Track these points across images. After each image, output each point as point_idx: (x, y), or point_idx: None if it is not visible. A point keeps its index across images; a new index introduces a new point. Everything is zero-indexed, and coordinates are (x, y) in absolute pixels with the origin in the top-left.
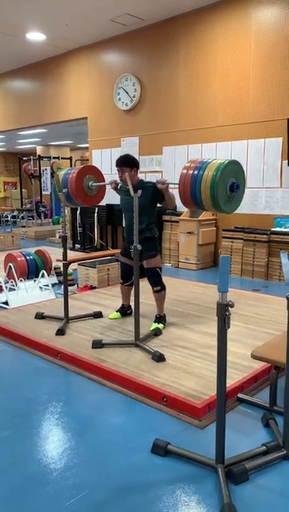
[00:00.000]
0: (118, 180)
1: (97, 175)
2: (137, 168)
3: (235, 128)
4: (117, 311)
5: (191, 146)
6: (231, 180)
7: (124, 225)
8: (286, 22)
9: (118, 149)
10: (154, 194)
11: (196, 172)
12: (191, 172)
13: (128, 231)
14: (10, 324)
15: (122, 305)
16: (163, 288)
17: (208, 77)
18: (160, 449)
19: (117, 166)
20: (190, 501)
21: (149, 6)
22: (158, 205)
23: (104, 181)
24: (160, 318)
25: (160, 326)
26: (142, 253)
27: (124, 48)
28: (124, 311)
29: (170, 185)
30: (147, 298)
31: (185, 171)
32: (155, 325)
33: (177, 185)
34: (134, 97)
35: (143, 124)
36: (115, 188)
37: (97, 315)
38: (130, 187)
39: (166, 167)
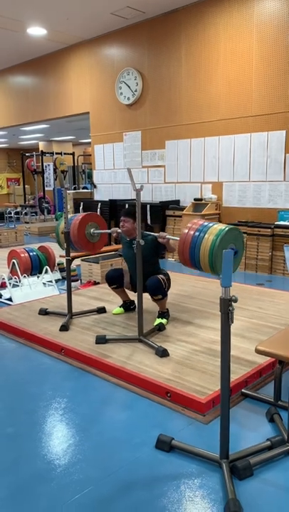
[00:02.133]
0: (119, 230)
1: (100, 223)
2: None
3: (238, 121)
4: (120, 307)
5: (193, 140)
6: (230, 246)
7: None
8: None
9: (120, 144)
10: (155, 246)
11: (196, 234)
12: (192, 233)
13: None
14: (14, 320)
15: (124, 301)
16: (164, 295)
17: (210, 70)
18: (164, 445)
19: (122, 216)
20: (194, 497)
21: None
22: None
23: (106, 229)
24: (163, 314)
25: (164, 321)
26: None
27: (125, 42)
28: (128, 306)
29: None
30: None
31: (186, 231)
32: (158, 320)
33: (177, 240)
34: (136, 91)
35: (145, 118)
36: (116, 238)
37: (101, 310)
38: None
39: (169, 161)
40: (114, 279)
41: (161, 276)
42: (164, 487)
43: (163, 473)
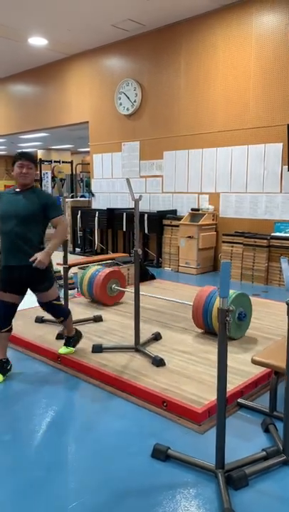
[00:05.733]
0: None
1: (121, 279)
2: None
3: (236, 133)
4: None
5: (191, 151)
6: (239, 310)
7: (1, 242)
8: (287, 28)
9: (119, 154)
10: (44, 210)
11: (208, 299)
12: (204, 299)
13: (11, 251)
14: None
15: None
16: (66, 316)
17: (208, 82)
18: (160, 454)
19: (24, 159)
20: (190, 506)
21: (151, 11)
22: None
23: (125, 285)
24: (69, 340)
25: (69, 350)
26: (34, 284)
27: (125, 53)
28: (5, 368)
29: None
30: (148, 302)
31: (199, 297)
32: (64, 349)
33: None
34: (135, 101)
35: (144, 128)
36: None
37: (97, 319)
38: (130, 189)
39: (167, 171)
40: (9, 318)
41: (53, 301)
42: (159, 496)
43: (159, 483)
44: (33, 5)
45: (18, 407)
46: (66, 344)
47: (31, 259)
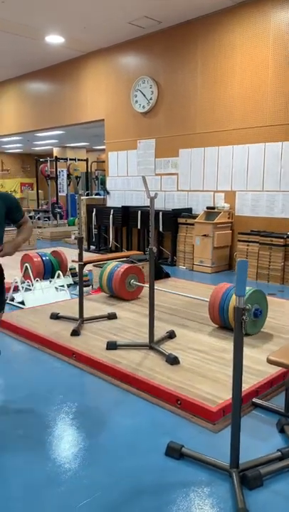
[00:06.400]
0: None
1: (139, 274)
2: None
3: (253, 131)
4: None
5: (207, 149)
6: (255, 307)
7: None
8: None
9: (134, 151)
10: (7, 212)
11: (224, 296)
12: (220, 295)
13: None
14: (26, 324)
15: None
16: None
17: (225, 79)
18: (174, 452)
19: None
20: (204, 505)
21: (167, 8)
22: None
23: (143, 280)
24: None
25: None
26: None
27: (141, 51)
28: None
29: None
30: (162, 300)
31: (216, 292)
32: None
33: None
34: (151, 99)
35: (160, 126)
36: None
37: (112, 316)
38: (146, 187)
39: (182, 169)
40: None
41: None
42: (173, 494)
43: (172, 481)
44: (51, 3)
45: (32, 402)
46: None
47: None
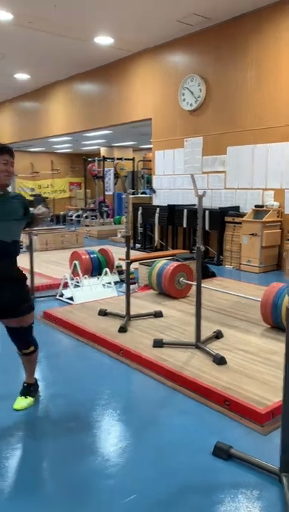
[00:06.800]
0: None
1: (188, 272)
2: None
3: None
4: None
5: (257, 146)
6: None
7: None
8: None
9: (181, 150)
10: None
11: (278, 294)
12: (273, 294)
13: None
14: (75, 319)
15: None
16: (37, 346)
17: (277, 75)
18: (222, 452)
19: (6, 153)
20: (253, 508)
21: (216, 4)
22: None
23: (192, 278)
24: (29, 388)
25: (28, 401)
26: (14, 308)
27: (189, 48)
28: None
29: None
30: (209, 300)
31: (268, 292)
32: (22, 401)
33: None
34: (198, 97)
35: (207, 124)
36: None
37: (158, 314)
38: (194, 185)
39: (231, 167)
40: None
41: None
42: (220, 494)
43: (220, 481)
44: (101, 5)
45: (82, 396)
46: (26, 393)
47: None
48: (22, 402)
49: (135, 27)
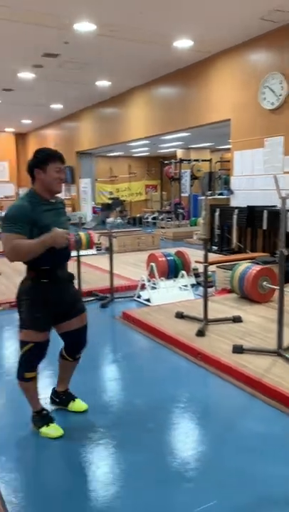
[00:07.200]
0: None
1: (272, 276)
2: None
3: None
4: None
5: None
6: None
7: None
8: None
9: (260, 149)
10: None
11: None
12: None
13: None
14: (152, 320)
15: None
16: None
17: None
18: None
19: (59, 161)
20: None
21: None
22: None
23: (276, 283)
24: (71, 394)
25: (84, 406)
26: (75, 307)
27: (270, 46)
28: (48, 418)
29: None
30: None
31: None
32: (79, 404)
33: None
34: (280, 95)
35: None
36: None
37: (237, 319)
38: (277, 186)
39: None
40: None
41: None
42: None
43: None
44: (183, 7)
45: (160, 398)
46: (74, 397)
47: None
48: (81, 403)
49: (216, 28)
